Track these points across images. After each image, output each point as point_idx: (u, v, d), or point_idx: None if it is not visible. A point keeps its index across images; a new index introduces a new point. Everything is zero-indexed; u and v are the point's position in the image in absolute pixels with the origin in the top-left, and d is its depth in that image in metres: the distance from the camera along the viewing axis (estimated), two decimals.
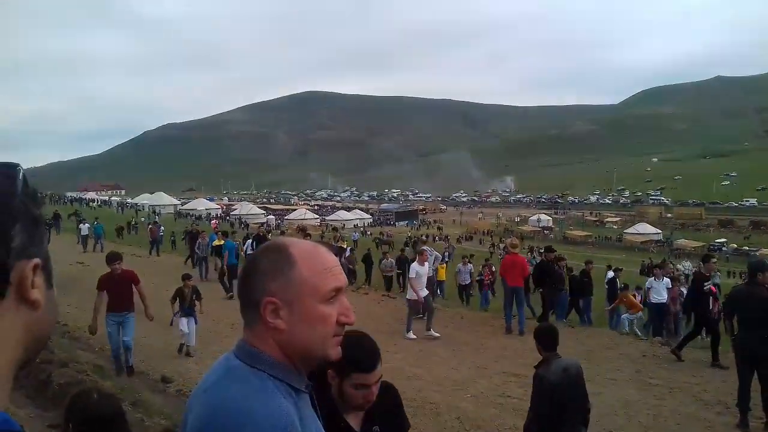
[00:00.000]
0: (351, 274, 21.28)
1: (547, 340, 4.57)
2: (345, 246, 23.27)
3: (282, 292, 1.23)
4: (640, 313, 15.32)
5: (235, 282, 16.81)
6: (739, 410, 6.87)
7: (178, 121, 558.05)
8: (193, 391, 1.31)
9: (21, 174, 0.82)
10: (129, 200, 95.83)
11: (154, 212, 68.51)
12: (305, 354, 1.26)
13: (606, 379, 9.08)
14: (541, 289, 13.12)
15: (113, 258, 8.82)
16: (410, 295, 11.76)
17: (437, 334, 11.49)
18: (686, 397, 8.14)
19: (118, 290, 8.54)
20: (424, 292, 11.73)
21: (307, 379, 1.32)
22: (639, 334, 14.33)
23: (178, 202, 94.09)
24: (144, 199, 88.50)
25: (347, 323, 1.29)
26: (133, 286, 8.73)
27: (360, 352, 2.07)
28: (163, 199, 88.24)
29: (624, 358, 10.34)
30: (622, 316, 15.09)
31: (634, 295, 16.11)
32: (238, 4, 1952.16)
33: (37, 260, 0.81)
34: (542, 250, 41.11)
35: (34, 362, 0.82)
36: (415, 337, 11.45)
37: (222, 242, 18.68)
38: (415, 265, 11.85)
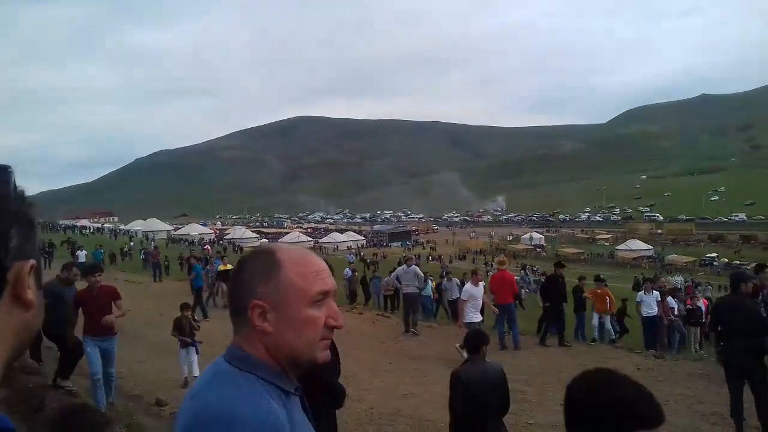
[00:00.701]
0: (352, 295, 22.13)
1: (469, 343, 4.81)
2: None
3: (269, 295, 1.25)
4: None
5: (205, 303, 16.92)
6: (734, 421, 6.88)
7: (169, 148, 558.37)
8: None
9: (13, 176, 0.82)
10: (122, 227, 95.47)
11: (147, 238, 68.24)
12: (293, 357, 1.27)
13: None
14: (547, 303, 13.01)
15: (93, 269, 7.81)
16: (469, 318, 11.18)
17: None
18: (682, 408, 8.16)
19: (98, 308, 7.32)
20: (478, 317, 11.27)
21: (297, 382, 1.33)
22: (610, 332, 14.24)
23: (171, 228, 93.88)
24: (137, 226, 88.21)
25: (335, 327, 1.31)
26: (113, 304, 7.54)
27: (641, 399, 1.53)
28: (156, 225, 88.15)
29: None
30: (606, 326, 14.82)
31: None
32: (228, 32, 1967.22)
33: (33, 261, 0.81)
34: (535, 268, 41.10)
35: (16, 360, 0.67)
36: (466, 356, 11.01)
37: (228, 267, 18.57)
38: (468, 287, 11.50)
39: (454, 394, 4.56)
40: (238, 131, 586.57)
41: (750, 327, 6.77)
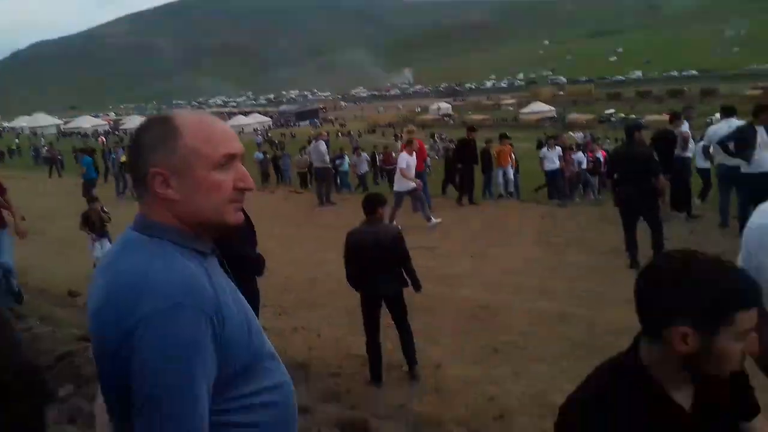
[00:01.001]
0: (264, 176, 22.37)
1: (364, 205, 5.00)
2: None
3: (168, 162, 1.20)
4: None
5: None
6: (628, 254, 7.46)
7: (51, 38, 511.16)
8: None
9: None
10: (5, 124, 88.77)
11: (35, 134, 63.94)
12: (202, 221, 1.24)
13: (509, 241, 9.59)
14: (460, 165, 13.32)
15: None
16: (398, 187, 11.30)
17: (438, 220, 11.03)
18: (583, 249, 8.70)
19: None
20: (413, 183, 11.32)
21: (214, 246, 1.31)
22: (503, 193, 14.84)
23: (61, 122, 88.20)
24: (22, 122, 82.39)
25: (245, 188, 1.27)
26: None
27: (735, 276, 1.26)
28: (43, 120, 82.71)
29: (525, 222, 10.91)
30: (508, 176, 14.95)
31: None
32: None
33: None
34: (443, 136, 41.73)
35: None
36: (439, 220, 11.02)
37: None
38: (404, 156, 11.43)
39: (345, 249, 4.91)
40: (124, 16, 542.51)
41: (642, 170, 7.26)
